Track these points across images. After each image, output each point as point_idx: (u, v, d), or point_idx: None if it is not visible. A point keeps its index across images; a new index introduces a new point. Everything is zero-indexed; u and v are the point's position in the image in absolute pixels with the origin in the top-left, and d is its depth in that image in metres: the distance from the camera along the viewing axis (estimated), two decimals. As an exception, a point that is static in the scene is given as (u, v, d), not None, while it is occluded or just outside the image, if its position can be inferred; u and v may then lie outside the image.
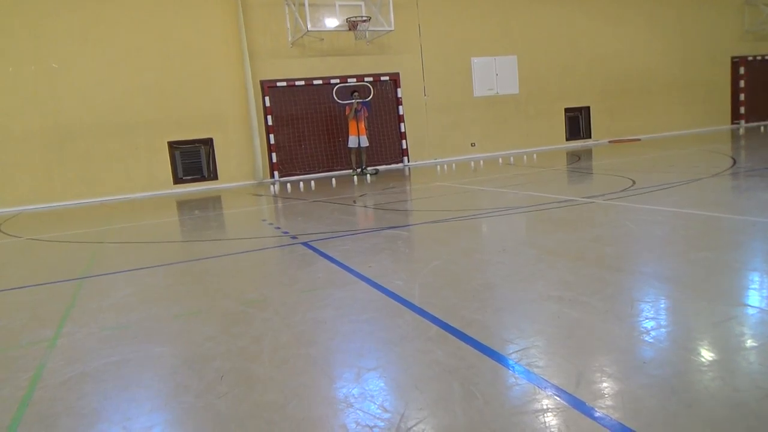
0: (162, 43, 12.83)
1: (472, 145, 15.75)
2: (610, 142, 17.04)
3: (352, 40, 14.14)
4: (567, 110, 16.90)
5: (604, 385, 2.20)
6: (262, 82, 13.73)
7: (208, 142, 13.67)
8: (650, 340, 2.59)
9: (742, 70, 19.04)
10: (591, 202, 6.47)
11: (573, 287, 3.48)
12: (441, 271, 4.14)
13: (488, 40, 15.62)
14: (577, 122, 17.09)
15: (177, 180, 13.54)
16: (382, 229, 6.13)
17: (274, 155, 14.01)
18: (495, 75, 15.70)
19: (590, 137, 17.18)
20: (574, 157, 13.68)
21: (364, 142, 13.33)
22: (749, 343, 2.50)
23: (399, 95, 14.94)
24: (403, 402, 2.21)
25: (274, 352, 2.84)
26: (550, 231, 5.25)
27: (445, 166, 13.82)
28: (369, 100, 13.66)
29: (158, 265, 5.21)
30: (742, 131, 17.22)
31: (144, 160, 13.01)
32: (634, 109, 17.61)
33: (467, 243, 5.15)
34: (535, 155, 14.66)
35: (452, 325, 2.96)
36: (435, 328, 2.95)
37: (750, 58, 19.17)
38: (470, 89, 15.61)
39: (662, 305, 3.09)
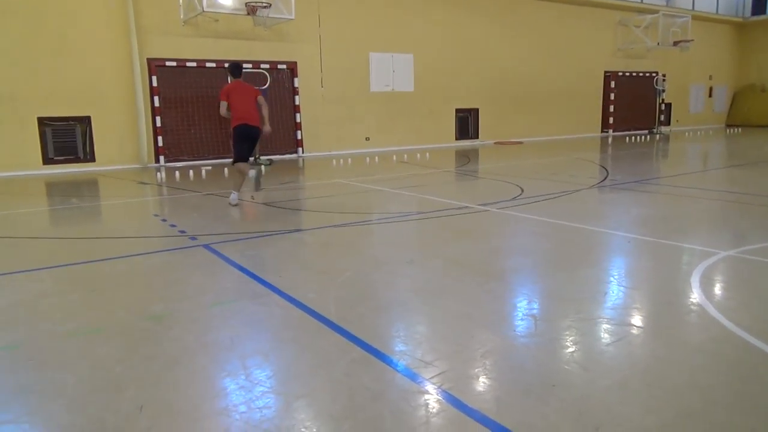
0: (32, 5, 11.55)
1: (367, 139, 15.91)
2: (495, 143, 18.00)
3: (250, 24, 13.65)
4: (458, 110, 17.60)
5: (524, 408, 2.38)
6: (149, 60, 12.87)
7: (85, 120, 12.59)
8: (555, 360, 2.83)
9: (612, 84, 20.93)
10: (486, 210, 6.84)
11: (481, 305, 3.69)
12: (353, 284, 4.19)
13: (386, 36, 15.80)
14: (467, 122, 17.86)
15: (47, 160, 12.35)
16: (286, 232, 6.05)
17: (160, 138, 13.22)
18: (392, 71, 15.95)
19: (477, 138, 18.03)
20: (464, 158, 14.31)
21: (257, 131, 12.97)
22: (639, 366, 2.82)
23: (296, 85, 14.70)
24: (337, 434, 2.24)
25: (193, 377, 2.74)
26: (453, 240, 5.49)
27: (341, 159, 13.85)
28: (265, 88, 13.29)
29: (41, 268, 4.76)
30: (610, 140, 18.97)
31: (8, 136, 11.69)
32: (517, 114, 18.71)
33: (374, 251, 5.25)
34: (427, 153, 15.13)
35: (373, 346, 3.03)
36: (357, 349, 3.00)
37: (620, 73, 21.12)
38: (367, 83, 15.72)
39: (559, 325, 3.37)
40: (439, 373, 2.70)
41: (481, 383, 2.64)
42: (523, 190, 8.22)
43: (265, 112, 7.36)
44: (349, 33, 15.22)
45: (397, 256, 4.99)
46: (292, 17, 13.30)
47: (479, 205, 7.18)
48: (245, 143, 7.26)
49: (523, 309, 3.63)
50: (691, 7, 22.75)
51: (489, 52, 17.75)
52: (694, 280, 4.00)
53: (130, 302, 3.89)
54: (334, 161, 13.49)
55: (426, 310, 3.63)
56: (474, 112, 17.96)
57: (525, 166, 11.72)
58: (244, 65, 13.60)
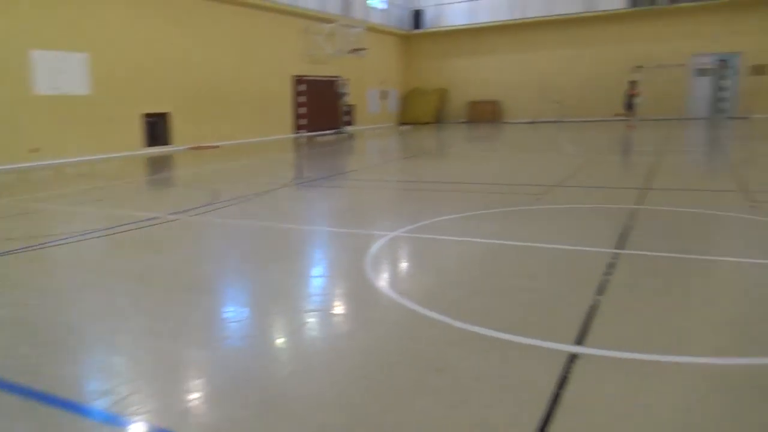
0: None
1: (34, 150, 13.73)
2: (190, 148, 17.42)
3: None
4: (147, 115, 16.47)
5: (207, 420, 2.33)
6: None
7: None
8: (244, 358, 2.85)
9: (302, 87, 22.17)
10: (177, 219, 6.55)
11: (170, 318, 3.50)
12: (12, 321, 3.56)
13: (53, 32, 13.84)
14: (157, 128, 16.85)
15: None
16: None
17: None
18: (62, 72, 14.05)
19: (171, 143, 17.19)
20: (155, 165, 13.49)
21: None
22: (321, 345, 3.03)
23: (-74, 87, 11.84)
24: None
25: None
26: (139, 255, 5.11)
27: (1, 175, 11.69)
28: None
29: None
30: (302, 141, 20.09)
31: None
32: (213, 117, 18.41)
33: (41, 280, 4.55)
34: (111, 163, 13.81)
35: (36, 389, 2.61)
36: (13, 398, 2.55)
37: (308, 77, 22.46)
38: (29, 85, 13.56)
39: (249, 322, 3.41)
40: (120, 399, 2.47)
41: (167, 397, 2.50)
42: (217, 195, 8.12)
43: None
44: (2, 27, 12.88)
45: (70, 281, 4.42)
46: None
47: (170, 213, 6.84)
48: None
49: (214, 314, 3.57)
50: (365, 18, 25.49)
51: (179, 54, 17.03)
52: (369, 262, 4.48)
53: None
54: (-6, 179, 11.32)
55: (105, 336, 3.29)
56: (165, 117, 17.05)
57: (220, 170, 11.62)
58: None
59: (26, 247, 5.50)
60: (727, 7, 22.67)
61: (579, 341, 2.90)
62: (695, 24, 23.24)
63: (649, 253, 4.53)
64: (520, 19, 26.44)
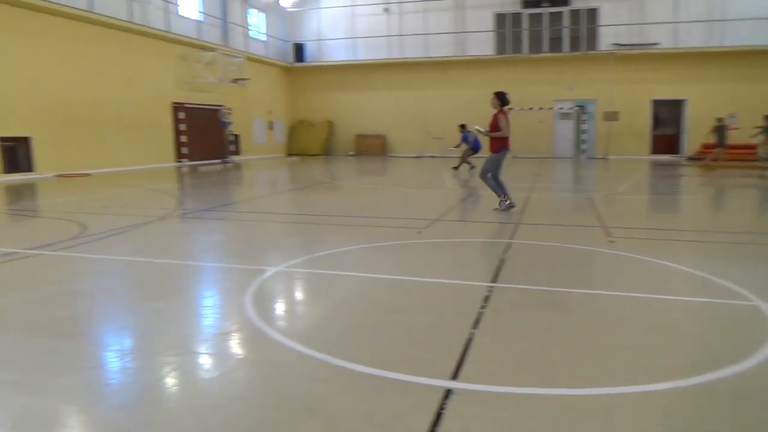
0: None
1: None
2: (57, 176, 16.10)
3: None
4: (2, 139, 15.02)
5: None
6: None
7: None
8: (122, 409, 2.65)
9: (182, 115, 21.35)
10: (39, 254, 5.99)
11: (18, 365, 3.17)
12: None
13: None
14: (16, 153, 15.41)
15: None
16: None
17: None
18: None
19: (33, 171, 15.78)
20: (15, 194, 12.30)
21: None
22: (191, 391, 2.88)
23: None
24: None
25: None
26: (-10, 296, 4.60)
27: None
28: None
29: None
30: (184, 170, 19.29)
31: None
32: (84, 143, 17.19)
33: None
34: (-37, 190, 12.40)
35: None
36: None
37: (188, 105, 21.69)
38: None
39: (118, 372, 3.18)
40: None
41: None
42: (86, 227, 7.54)
43: None
44: None
45: None
46: None
47: (31, 249, 6.24)
48: None
49: (80, 359, 3.28)
50: (244, 49, 25.21)
51: (41, 76, 15.80)
52: (249, 298, 4.36)
53: None
54: None
55: (-59, 391, 2.90)
56: (25, 141, 15.65)
57: (92, 200, 10.83)
58: None
59: None
60: (581, 59, 25.24)
61: (454, 376, 3.01)
62: (555, 72, 25.57)
63: (520, 287, 4.84)
64: (398, 58, 27.61)
